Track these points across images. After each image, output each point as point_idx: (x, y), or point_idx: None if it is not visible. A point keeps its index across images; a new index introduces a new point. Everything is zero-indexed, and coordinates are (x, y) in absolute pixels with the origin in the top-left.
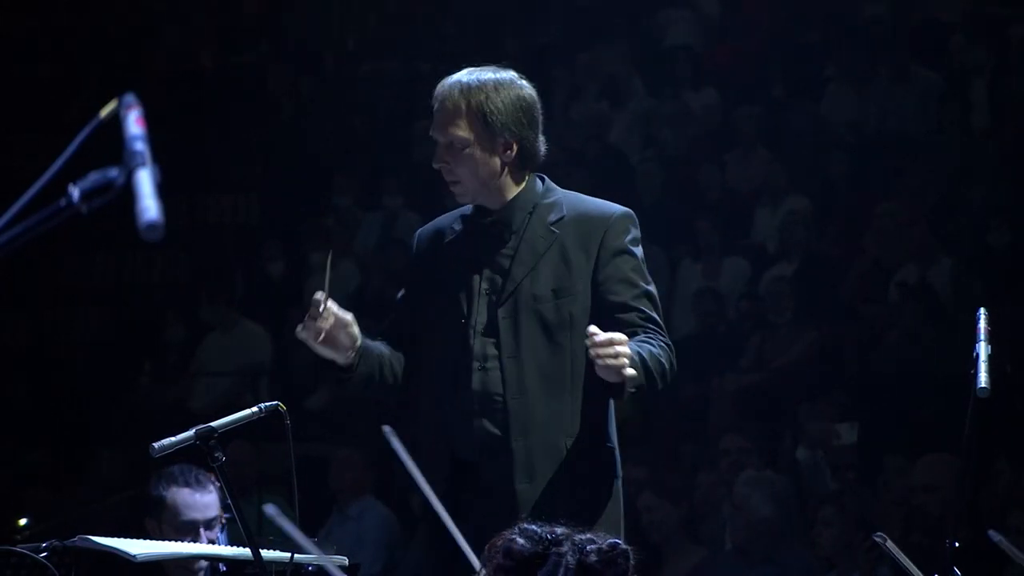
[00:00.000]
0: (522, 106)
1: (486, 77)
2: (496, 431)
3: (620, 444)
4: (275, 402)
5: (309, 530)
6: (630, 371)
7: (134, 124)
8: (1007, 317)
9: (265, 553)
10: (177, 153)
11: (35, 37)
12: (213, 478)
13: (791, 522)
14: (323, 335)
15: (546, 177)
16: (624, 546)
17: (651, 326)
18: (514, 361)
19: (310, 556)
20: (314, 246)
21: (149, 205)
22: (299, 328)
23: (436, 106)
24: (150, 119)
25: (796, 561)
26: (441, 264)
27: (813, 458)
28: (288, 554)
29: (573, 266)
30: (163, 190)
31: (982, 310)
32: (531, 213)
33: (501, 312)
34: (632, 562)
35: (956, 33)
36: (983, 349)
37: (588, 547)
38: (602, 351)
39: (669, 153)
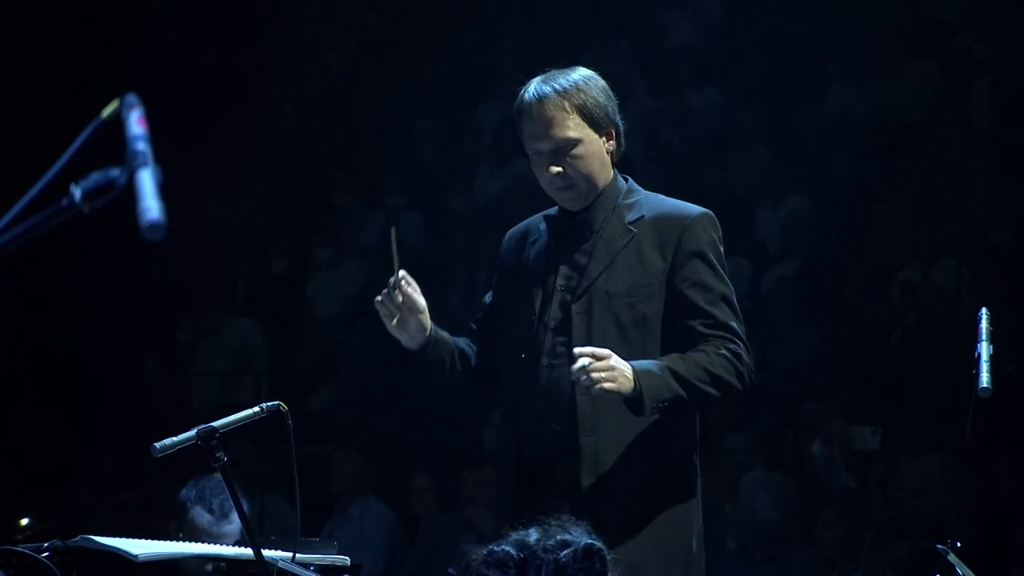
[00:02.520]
0: (609, 95)
1: (574, 77)
2: (564, 428)
3: None
4: (276, 402)
5: (311, 530)
6: (608, 385)
7: (136, 124)
8: (1009, 317)
9: (267, 552)
10: (179, 153)
11: (37, 37)
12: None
13: (794, 523)
14: (396, 317)
15: (630, 177)
16: (599, 545)
17: (720, 332)
18: None
19: (312, 556)
20: (317, 244)
21: (151, 205)
22: (377, 299)
23: (532, 116)
24: (152, 119)
25: (798, 561)
26: (522, 264)
27: (829, 454)
28: (290, 553)
29: (649, 265)
30: (165, 190)
31: (984, 310)
32: (612, 211)
33: (575, 308)
34: (609, 558)
35: (958, 32)
36: (984, 349)
37: (562, 553)
38: (594, 374)
39: (670, 153)
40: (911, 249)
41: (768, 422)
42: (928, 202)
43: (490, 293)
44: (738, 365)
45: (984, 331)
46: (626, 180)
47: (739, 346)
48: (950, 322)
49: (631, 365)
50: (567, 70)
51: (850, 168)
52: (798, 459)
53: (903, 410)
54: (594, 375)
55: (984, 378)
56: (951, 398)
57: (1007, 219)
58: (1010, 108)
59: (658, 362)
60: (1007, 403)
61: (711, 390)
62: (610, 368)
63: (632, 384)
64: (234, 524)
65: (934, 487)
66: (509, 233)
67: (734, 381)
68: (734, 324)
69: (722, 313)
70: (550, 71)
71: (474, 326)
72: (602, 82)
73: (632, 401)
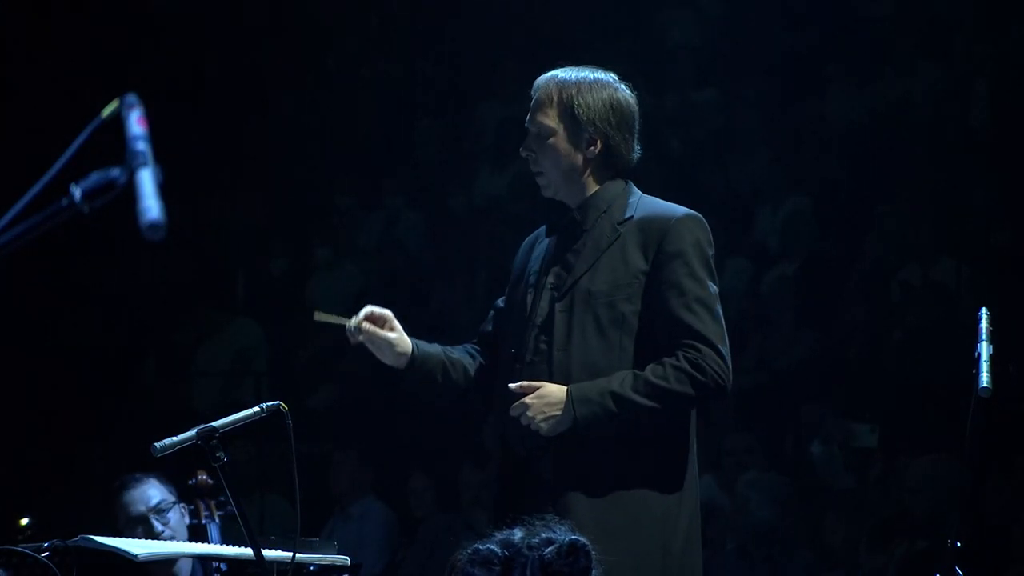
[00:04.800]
0: (613, 106)
1: (584, 74)
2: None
3: None
4: (276, 402)
5: (311, 530)
6: (543, 427)
7: (136, 124)
8: (1009, 317)
9: (267, 553)
10: (178, 153)
11: (37, 37)
12: (158, 476)
13: (792, 523)
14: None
15: (631, 182)
16: (584, 541)
17: (685, 340)
18: (564, 354)
19: (312, 556)
20: (317, 244)
21: (151, 205)
22: (349, 334)
23: (532, 96)
24: (152, 119)
25: (796, 561)
26: (526, 266)
27: (828, 453)
28: (290, 553)
29: (631, 265)
30: (165, 190)
31: (984, 310)
32: (604, 212)
33: (558, 306)
34: (594, 554)
35: (958, 32)
36: (984, 349)
37: (547, 550)
38: (513, 411)
39: (670, 153)
40: (911, 249)
41: (768, 422)
42: (928, 202)
43: (502, 298)
44: (695, 374)
45: (984, 331)
46: (627, 184)
47: (703, 354)
48: (950, 322)
49: (569, 391)
50: (590, 69)
51: (850, 168)
52: (798, 459)
53: (902, 410)
54: (530, 414)
55: (984, 378)
56: (951, 398)
57: (1007, 219)
58: (1010, 108)
59: (601, 384)
60: (1007, 403)
61: (654, 404)
62: (537, 412)
63: (567, 414)
64: (149, 484)
65: (933, 487)
66: (524, 242)
67: (689, 390)
68: (703, 329)
69: (694, 318)
70: (581, 66)
71: (488, 328)
72: (615, 92)
73: (571, 427)
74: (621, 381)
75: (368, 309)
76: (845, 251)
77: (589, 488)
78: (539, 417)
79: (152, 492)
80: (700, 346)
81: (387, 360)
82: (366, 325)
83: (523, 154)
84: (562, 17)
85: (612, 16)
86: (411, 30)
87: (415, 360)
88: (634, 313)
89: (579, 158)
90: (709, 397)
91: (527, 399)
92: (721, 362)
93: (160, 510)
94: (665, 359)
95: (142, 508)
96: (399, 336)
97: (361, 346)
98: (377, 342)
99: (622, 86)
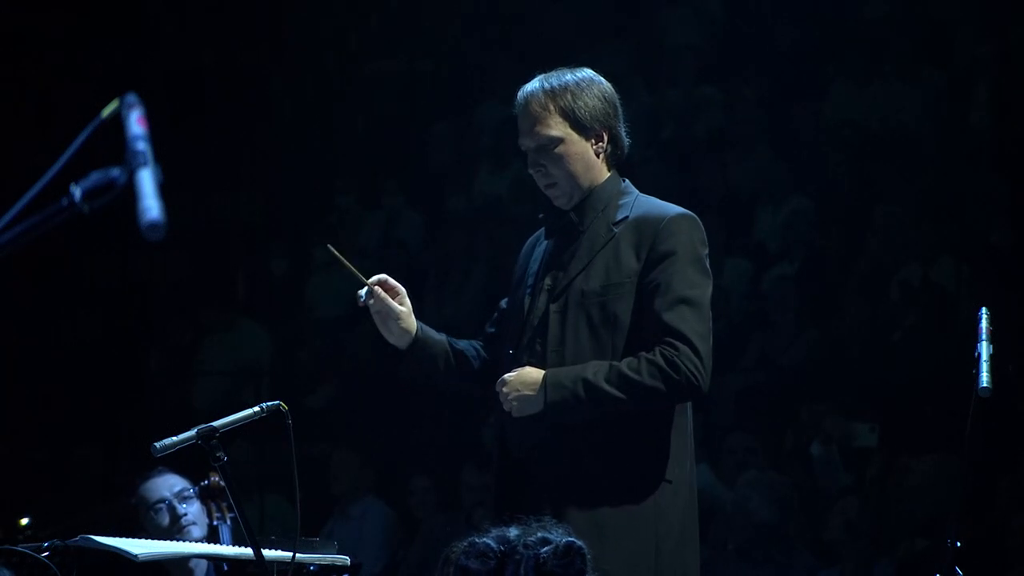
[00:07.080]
0: (607, 98)
1: (567, 78)
2: (533, 424)
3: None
4: (276, 401)
5: (311, 530)
6: (514, 406)
7: (136, 124)
8: (1009, 317)
9: (267, 552)
10: (179, 153)
11: (36, 37)
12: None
13: (792, 523)
14: (377, 315)
15: (628, 181)
16: (580, 544)
17: (664, 337)
18: (557, 354)
19: (312, 556)
20: (317, 244)
21: (151, 205)
22: (359, 300)
23: (520, 114)
24: (152, 119)
25: (797, 561)
26: (527, 266)
27: (827, 454)
28: (290, 553)
29: (623, 265)
30: (165, 190)
31: (984, 310)
32: (601, 212)
33: (553, 307)
34: (589, 558)
35: (958, 32)
36: (985, 349)
37: (543, 550)
38: (497, 386)
39: (670, 152)
40: (911, 249)
41: (768, 422)
42: (928, 202)
43: (505, 299)
44: (668, 371)
45: (984, 331)
46: (623, 181)
47: (680, 352)
48: (950, 322)
49: (545, 375)
50: (568, 70)
51: (850, 168)
52: (798, 459)
53: (902, 410)
54: (505, 390)
55: (984, 378)
56: (951, 398)
57: (1007, 219)
58: (1010, 108)
59: (575, 370)
60: (1007, 403)
61: (623, 396)
62: (512, 390)
63: (540, 397)
64: (167, 474)
65: (933, 486)
66: (526, 243)
67: (660, 386)
68: (683, 328)
69: (675, 317)
70: (556, 70)
71: (491, 329)
72: (601, 86)
73: (541, 411)
74: (595, 370)
75: (383, 276)
76: (845, 251)
77: (582, 489)
78: (512, 395)
79: (174, 480)
80: (679, 344)
81: (391, 337)
82: (379, 291)
83: (531, 171)
84: (562, 17)
85: (612, 16)
86: (411, 30)
87: (417, 342)
88: (626, 313)
89: (591, 156)
90: (682, 396)
91: (507, 375)
92: (697, 361)
93: (184, 496)
94: (642, 353)
95: (166, 492)
96: (408, 313)
97: (363, 343)
98: (385, 313)
99: (601, 78)
